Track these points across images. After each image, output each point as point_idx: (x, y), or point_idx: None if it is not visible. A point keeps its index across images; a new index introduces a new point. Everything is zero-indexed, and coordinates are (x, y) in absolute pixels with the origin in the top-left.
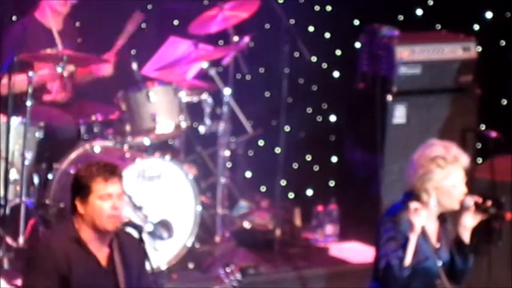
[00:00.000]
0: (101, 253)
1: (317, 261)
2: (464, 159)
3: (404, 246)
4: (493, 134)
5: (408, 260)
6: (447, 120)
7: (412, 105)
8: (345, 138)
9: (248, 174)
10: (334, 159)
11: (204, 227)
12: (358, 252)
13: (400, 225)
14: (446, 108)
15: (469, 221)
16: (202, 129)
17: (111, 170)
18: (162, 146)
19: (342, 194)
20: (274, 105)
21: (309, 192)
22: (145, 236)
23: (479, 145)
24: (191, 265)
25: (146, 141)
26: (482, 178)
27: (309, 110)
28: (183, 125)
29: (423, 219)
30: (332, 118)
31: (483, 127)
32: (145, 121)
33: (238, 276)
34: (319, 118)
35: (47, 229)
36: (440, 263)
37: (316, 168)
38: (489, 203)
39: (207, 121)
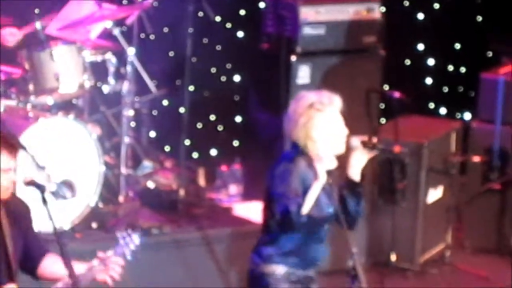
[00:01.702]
0: None
1: (221, 221)
2: (338, 101)
3: (305, 193)
4: (397, 94)
5: (306, 208)
6: (351, 81)
7: (316, 65)
8: (250, 98)
9: (152, 134)
10: (238, 119)
11: (107, 187)
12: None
13: (298, 172)
14: (350, 69)
15: (358, 161)
16: (106, 89)
17: (14, 144)
18: (65, 106)
19: (246, 154)
20: (178, 65)
21: (213, 152)
22: (48, 196)
23: (383, 106)
24: (94, 225)
25: (50, 100)
26: (386, 138)
27: (213, 70)
28: (87, 84)
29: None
30: (237, 78)
31: (387, 87)
32: (49, 81)
33: (135, 237)
34: (224, 78)
35: None
36: (332, 209)
37: (220, 128)
38: (375, 139)
39: (111, 80)
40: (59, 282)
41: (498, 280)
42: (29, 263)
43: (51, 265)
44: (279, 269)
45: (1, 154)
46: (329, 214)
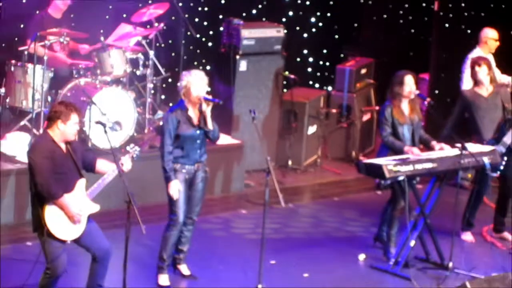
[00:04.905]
0: (63, 146)
1: None
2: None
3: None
4: (292, 76)
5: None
6: (269, 70)
7: (250, 61)
8: (215, 80)
9: (163, 97)
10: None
11: (139, 124)
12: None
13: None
14: (268, 64)
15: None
16: (137, 72)
17: (78, 109)
18: (116, 81)
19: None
20: (176, 59)
21: None
22: (108, 129)
23: (285, 83)
24: (132, 144)
25: (108, 78)
26: (286, 100)
27: (195, 63)
28: (128, 70)
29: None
30: (208, 67)
31: (287, 72)
32: (107, 68)
33: (137, 148)
34: (200, 67)
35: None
36: (199, 131)
37: None
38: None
39: (140, 68)
40: (106, 173)
41: (345, 174)
42: (89, 166)
43: (101, 164)
44: (175, 165)
45: (74, 115)
46: (195, 135)
